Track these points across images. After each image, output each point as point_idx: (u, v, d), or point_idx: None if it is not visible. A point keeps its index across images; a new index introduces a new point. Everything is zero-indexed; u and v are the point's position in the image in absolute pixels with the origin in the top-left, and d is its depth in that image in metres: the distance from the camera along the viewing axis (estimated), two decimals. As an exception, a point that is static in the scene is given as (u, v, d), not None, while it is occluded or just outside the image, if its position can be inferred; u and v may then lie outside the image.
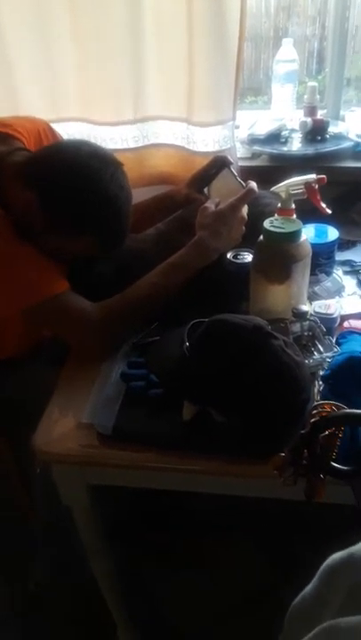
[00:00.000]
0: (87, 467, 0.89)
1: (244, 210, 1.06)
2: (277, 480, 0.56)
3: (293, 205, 1.05)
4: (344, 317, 1.06)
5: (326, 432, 0.54)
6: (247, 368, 0.79)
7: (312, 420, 0.55)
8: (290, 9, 1.73)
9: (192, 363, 0.84)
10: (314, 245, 1.19)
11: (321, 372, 0.88)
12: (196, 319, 0.91)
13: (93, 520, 1.00)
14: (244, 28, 1.21)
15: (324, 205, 1.04)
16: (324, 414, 0.55)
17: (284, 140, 1.43)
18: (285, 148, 1.41)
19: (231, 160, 1.17)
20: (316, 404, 0.58)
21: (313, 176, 1.02)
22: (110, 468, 0.88)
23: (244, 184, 1.11)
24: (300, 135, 1.45)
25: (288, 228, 0.98)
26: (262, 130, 1.44)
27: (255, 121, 1.49)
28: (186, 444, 0.82)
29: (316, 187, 1.02)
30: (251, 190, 1.05)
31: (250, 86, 1.77)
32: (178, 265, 1.05)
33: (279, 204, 1.05)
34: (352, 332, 0.99)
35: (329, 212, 1.05)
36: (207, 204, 1.08)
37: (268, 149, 1.41)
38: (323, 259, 1.20)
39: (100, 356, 1.01)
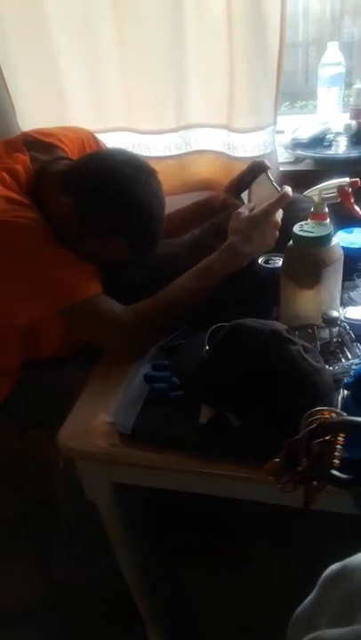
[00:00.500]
0: (110, 464, 0.92)
1: (279, 215, 1.06)
2: (275, 486, 0.55)
3: (326, 209, 1.03)
4: (379, 324, 1.03)
5: (322, 439, 0.53)
6: (264, 373, 0.79)
7: (308, 426, 0.54)
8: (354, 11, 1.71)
9: (210, 366, 0.85)
10: (351, 250, 1.17)
11: (345, 380, 0.86)
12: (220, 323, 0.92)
13: (119, 516, 1.03)
14: (285, 34, 1.21)
15: (358, 209, 1.02)
16: (322, 420, 0.54)
17: (327, 143, 1.41)
18: (329, 152, 1.39)
19: (268, 165, 1.17)
20: (314, 410, 0.57)
21: (346, 179, 1.00)
22: (132, 467, 0.90)
23: (279, 189, 1.11)
24: (346, 138, 1.42)
25: (317, 233, 0.97)
26: (306, 134, 1.43)
27: (299, 125, 1.47)
28: (202, 446, 0.83)
29: (350, 190, 1.00)
30: (285, 195, 1.05)
31: (306, 90, 1.76)
32: (208, 269, 1.06)
33: (312, 208, 1.04)
34: (384, 339, 0.96)
35: (364, 216, 1.03)
36: (240, 210, 1.08)
37: (310, 153, 1.39)
38: (361, 264, 1.17)
39: (131, 357, 1.03)
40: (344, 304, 1.12)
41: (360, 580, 0.43)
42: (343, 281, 1.17)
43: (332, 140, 1.42)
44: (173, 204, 1.38)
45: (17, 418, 1.25)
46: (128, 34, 1.28)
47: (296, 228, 0.99)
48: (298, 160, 1.44)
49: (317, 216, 1.03)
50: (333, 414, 0.55)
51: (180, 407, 0.88)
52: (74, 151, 1.18)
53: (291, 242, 1.00)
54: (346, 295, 1.13)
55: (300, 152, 1.41)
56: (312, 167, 1.42)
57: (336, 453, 0.54)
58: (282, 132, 1.53)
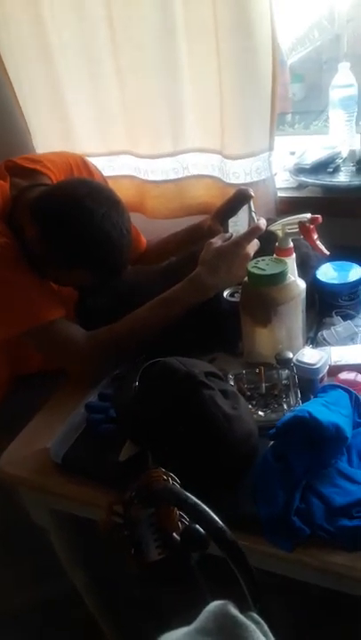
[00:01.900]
0: (44, 492, 0.93)
1: (252, 247, 1.02)
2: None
3: (291, 244, 0.98)
4: (343, 368, 0.97)
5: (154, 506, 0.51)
6: (176, 416, 0.77)
7: (137, 489, 0.52)
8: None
9: (134, 403, 0.84)
10: (331, 285, 1.12)
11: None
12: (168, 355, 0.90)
13: (63, 539, 1.04)
14: (277, 57, 1.17)
15: (321, 246, 0.97)
16: (146, 482, 0.52)
17: (331, 169, 1.34)
18: (331, 179, 1.32)
19: (251, 194, 1.14)
20: (152, 470, 0.55)
21: (307, 215, 0.95)
22: (63, 497, 0.91)
23: (256, 220, 1.07)
24: (352, 165, 1.34)
25: (270, 270, 0.93)
26: (311, 158, 1.37)
27: (306, 149, 1.42)
28: (119, 483, 0.82)
29: (312, 226, 0.95)
30: (256, 228, 1.02)
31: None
32: (171, 300, 1.05)
33: (277, 244, 1.00)
34: (336, 386, 0.90)
35: (327, 252, 0.97)
36: (213, 240, 1.06)
37: (311, 179, 1.33)
38: (343, 300, 1.11)
39: (88, 383, 1.04)
40: (317, 343, 1.07)
41: None
42: (322, 317, 1.12)
43: (337, 167, 1.35)
44: (174, 227, 1.39)
45: (2, 431, 1.31)
46: (125, 62, 1.30)
47: (250, 265, 0.96)
48: (301, 186, 1.39)
49: (282, 252, 0.99)
50: (164, 477, 0.53)
51: (108, 441, 0.88)
52: (60, 177, 1.21)
53: (246, 278, 0.97)
54: (320, 334, 1.08)
55: (302, 178, 1.36)
56: (314, 194, 1.36)
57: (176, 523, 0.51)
58: (293, 153, 1.48)
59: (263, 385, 0.92)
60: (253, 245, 1.03)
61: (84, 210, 1.00)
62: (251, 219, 1.12)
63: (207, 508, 0.49)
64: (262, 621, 0.48)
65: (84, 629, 1.24)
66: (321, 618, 1.26)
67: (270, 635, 0.47)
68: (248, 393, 0.92)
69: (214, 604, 0.47)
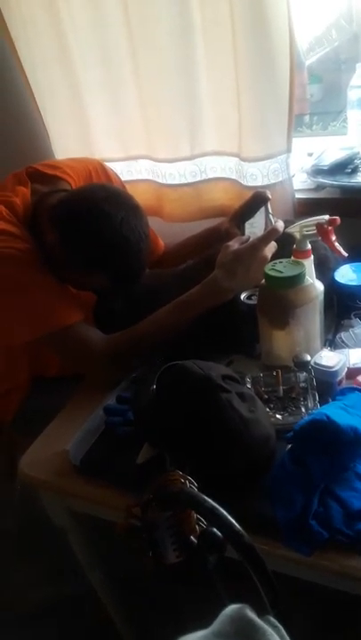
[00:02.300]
0: (63, 493, 0.94)
1: (270, 249, 1.02)
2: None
3: (309, 246, 0.98)
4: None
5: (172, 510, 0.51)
6: (193, 419, 0.77)
7: (156, 490, 0.53)
8: None
9: (153, 406, 0.84)
10: (350, 287, 1.11)
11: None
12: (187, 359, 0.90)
13: (82, 539, 1.05)
14: (295, 59, 1.17)
15: (339, 248, 0.96)
16: (164, 485, 0.52)
17: (349, 170, 1.33)
18: (349, 180, 1.31)
19: (268, 196, 1.14)
20: (170, 472, 0.55)
21: (325, 217, 0.94)
22: (81, 498, 0.92)
23: (273, 222, 1.07)
24: (371, 165, 1.33)
25: (287, 272, 0.93)
26: (329, 159, 1.36)
27: (324, 149, 1.41)
28: (137, 486, 0.82)
29: (329, 228, 0.94)
30: (274, 230, 1.01)
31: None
32: (188, 303, 1.05)
33: (294, 246, 0.99)
34: (355, 389, 0.89)
35: (345, 254, 0.96)
36: (230, 243, 1.06)
37: (329, 180, 1.32)
38: (361, 301, 1.10)
39: (105, 387, 1.05)
40: (335, 345, 1.06)
41: None
42: (340, 319, 1.11)
43: (357, 167, 1.34)
44: (191, 230, 1.39)
45: (21, 432, 1.32)
46: (142, 64, 1.30)
47: (268, 267, 0.96)
48: (319, 187, 1.38)
49: (300, 254, 0.99)
50: (182, 480, 0.53)
51: (126, 444, 0.88)
52: (79, 182, 1.23)
53: (263, 280, 0.97)
54: (338, 336, 1.07)
55: (320, 179, 1.35)
56: (332, 195, 1.35)
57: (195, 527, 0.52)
58: (311, 154, 1.48)
59: (281, 388, 0.92)
60: (271, 248, 1.02)
61: (103, 214, 1.01)
62: (268, 221, 1.11)
63: (225, 512, 0.49)
64: (280, 625, 0.48)
65: (99, 629, 1.25)
66: (339, 622, 1.25)
67: (288, 639, 0.47)
68: (266, 396, 0.92)
69: (232, 608, 0.47)
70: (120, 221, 1.01)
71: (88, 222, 1.01)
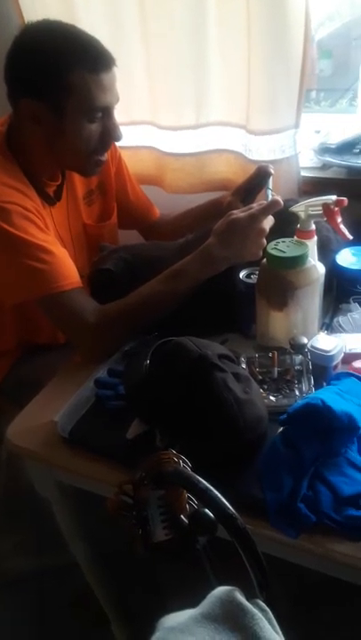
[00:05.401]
0: (50, 464, 0.93)
1: (268, 222, 0.99)
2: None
3: (313, 227, 0.96)
4: (358, 356, 0.95)
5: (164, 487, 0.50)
6: (187, 398, 0.76)
7: (148, 469, 0.51)
8: None
9: (145, 382, 0.83)
10: (350, 271, 1.09)
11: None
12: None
13: (68, 511, 1.04)
14: (310, 32, 1.13)
15: (344, 230, 0.94)
16: (157, 464, 0.51)
17: (358, 150, 1.30)
18: (357, 160, 1.28)
19: (271, 171, 1.10)
20: (162, 452, 0.54)
21: (332, 197, 0.92)
22: (69, 470, 0.91)
23: (271, 197, 1.04)
24: (378, 146, 1.30)
25: (290, 253, 0.91)
26: (337, 138, 1.33)
27: (331, 128, 1.37)
28: (126, 461, 0.81)
29: (336, 209, 0.92)
30: (275, 202, 0.97)
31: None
32: (180, 272, 1.02)
33: (298, 225, 0.97)
34: (350, 374, 0.88)
35: (350, 237, 0.94)
36: (234, 211, 1.02)
37: (336, 160, 1.30)
38: (361, 286, 1.08)
39: (94, 358, 1.03)
40: (332, 329, 1.05)
41: None
42: (339, 303, 1.10)
43: (365, 148, 1.31)
44: (192, 203, 1.36)
45: (8, 398, 1.31)
46: (153, 28, 1.25)
47: (270, 245, 0.94)
48: (325, 166, 1.35)
49: (303, 234, 0.96)
50: (174, 459, 0.52)
51: (116, 417, 0.87)
52: None
53: (264, 259, 0.95)
54: (336, 320, 1.06)
55: (327, 158, 1.32)
56: (338, 175, 1.32)
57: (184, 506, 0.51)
58: (318, 132, 1.44)
59: (276, 369, 0.91)
60: (269, 221, 0.98)
61: (54, 23, 1.00)
62: (267, 196, 1.09)
63: (218, 494, 0.48)
64: (268, 609, 0.47)
65: (80, 602, 1.26)
66: (316, 601, 1.27)
67: (276, 623, 0.47)
68: (260, 377, 0.91)
69: (221, 590, 0.46)
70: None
71: (43, 31, 1.01)
